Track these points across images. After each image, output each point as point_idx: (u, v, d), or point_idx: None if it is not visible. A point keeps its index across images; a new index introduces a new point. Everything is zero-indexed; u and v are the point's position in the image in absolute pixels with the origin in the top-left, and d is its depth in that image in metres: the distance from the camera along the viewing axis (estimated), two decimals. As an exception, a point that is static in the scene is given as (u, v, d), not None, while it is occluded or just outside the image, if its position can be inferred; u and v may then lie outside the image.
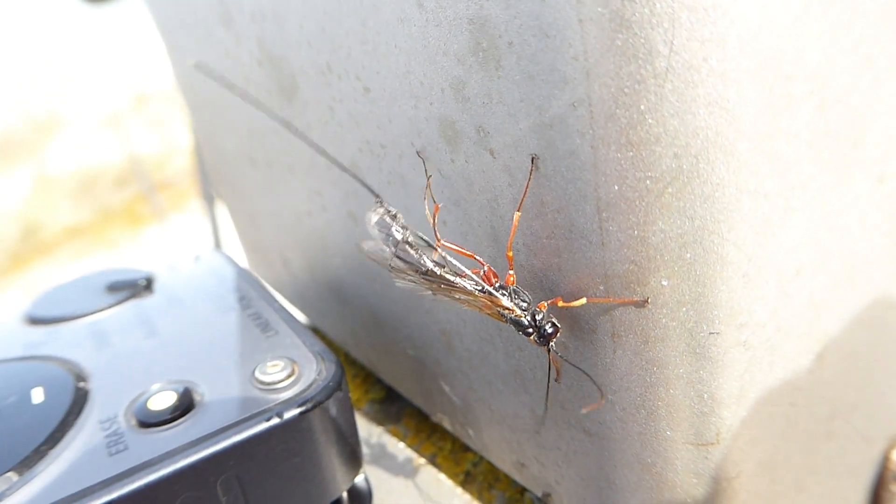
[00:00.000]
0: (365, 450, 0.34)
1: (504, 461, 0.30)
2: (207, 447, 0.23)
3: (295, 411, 0.24)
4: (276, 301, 0.32)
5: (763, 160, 0.18)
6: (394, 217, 0.22)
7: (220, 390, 0.26)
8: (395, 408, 0.38)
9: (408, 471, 0.32)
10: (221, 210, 1.02)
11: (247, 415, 0.24)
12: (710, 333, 0.20)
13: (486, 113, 0.20)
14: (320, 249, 0.36)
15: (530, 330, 0.21)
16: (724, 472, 0.22)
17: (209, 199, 1.08)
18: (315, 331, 0.41)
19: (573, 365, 0.22)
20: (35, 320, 0.33)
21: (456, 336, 0.28)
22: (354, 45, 0.24)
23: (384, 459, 0.33)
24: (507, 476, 0.32)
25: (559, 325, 0.21)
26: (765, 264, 0.20)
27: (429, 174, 0.23)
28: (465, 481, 0.32)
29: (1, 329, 0.33)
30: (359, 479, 0.29)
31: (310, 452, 0.25)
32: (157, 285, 0.35)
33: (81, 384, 0.27)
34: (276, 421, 0.24)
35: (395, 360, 0.35)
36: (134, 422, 0.25)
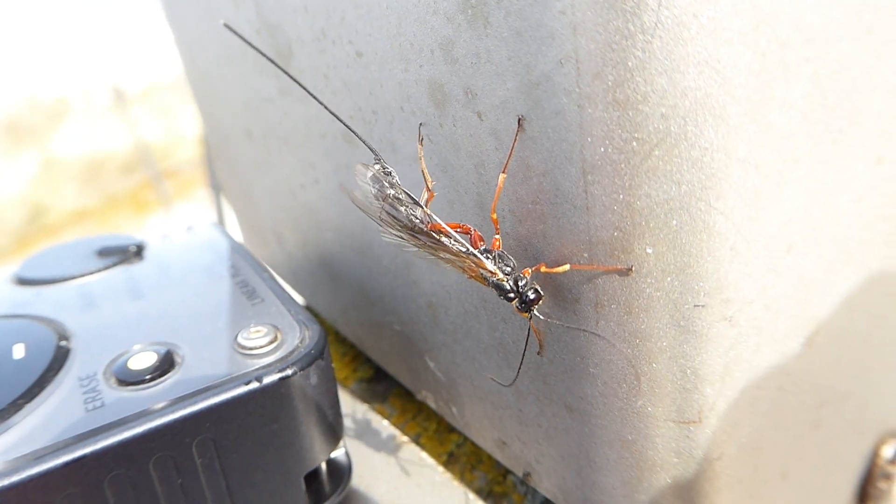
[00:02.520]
0: (349, 426, 0.34)
1: (486, 439, 0.30)
2: (184, 407, 0.23)
3: (275, 377, 0.24)
4: (264, 271, 0.32)
5: (754, 128, 0.18)
6: (388, 174, 0.22)
7: (201, 353, 0.26)
8: (382, 387, 0.38)
9: (390, 448, 0.32)
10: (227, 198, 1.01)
11: (226, 377, 0.24)
12: (695, 306, 0.19)
13: (475, 73, 0.20)
14: (312, 224, 0.35)
15: (512, 295, 0.21)
16: (706, 452, 0.22)
17: (216, 188, 1.08)
18: (307, 309, 0.41)
19: (555, 321, 0.21)
20: (23, 281, 0.32)
21: (441, 308, 0.27)
22: (348, 8, 0.24)
23: (368, 436, 0.33)
24: (490, 458, 0.32)
25: (542, 293, 0.21)
26: (754, 238, 0.20)
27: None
28: (448, 462, 0.32)
29: (-12, 289, 0.33)
30: (339, 453, 0.29)
31: (288, 419, 0.25)
32: (147, 252, 0.35)
33: (63, 342, 0.27)
34: (254, 385, 0.24)
35: (383, 337, 0.34)
36: (113, 380, 0.24)
